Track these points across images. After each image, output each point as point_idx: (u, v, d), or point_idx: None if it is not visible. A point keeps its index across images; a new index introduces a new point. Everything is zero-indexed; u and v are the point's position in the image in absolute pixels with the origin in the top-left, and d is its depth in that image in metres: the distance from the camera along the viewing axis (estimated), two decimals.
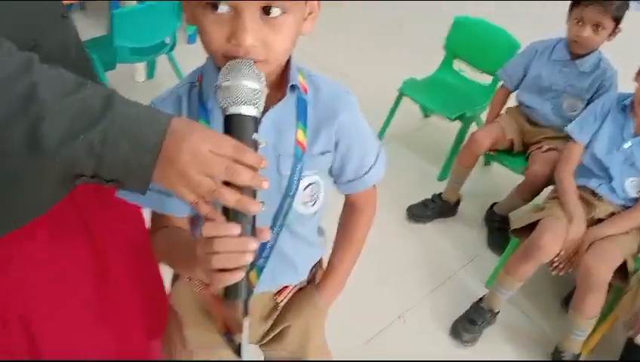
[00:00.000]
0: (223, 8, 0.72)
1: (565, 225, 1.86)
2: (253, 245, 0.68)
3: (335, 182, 1.03)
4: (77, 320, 1.03)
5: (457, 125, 2.81)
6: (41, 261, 0.93)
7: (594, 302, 1.81)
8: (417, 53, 3.37)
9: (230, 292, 0.70)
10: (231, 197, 0.67)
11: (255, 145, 0.71)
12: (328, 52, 3.26)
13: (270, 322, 1.15)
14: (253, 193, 0.69)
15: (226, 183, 0.68)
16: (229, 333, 1.11)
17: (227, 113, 0.70)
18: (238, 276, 0.68)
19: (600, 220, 1.92)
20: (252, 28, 0.72)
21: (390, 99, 2.93)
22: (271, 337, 1.17)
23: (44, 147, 0.62)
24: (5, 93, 0.60)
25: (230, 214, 0.69)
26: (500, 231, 2.42)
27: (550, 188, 2.22)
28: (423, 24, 4.10)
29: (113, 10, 2.65)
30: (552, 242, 1.83)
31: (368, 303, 2.05)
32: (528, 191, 2.30)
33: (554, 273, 1.90)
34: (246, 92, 0.70)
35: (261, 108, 0.72)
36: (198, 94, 0.88)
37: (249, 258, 0.68)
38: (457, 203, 2.60)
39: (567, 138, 2.07)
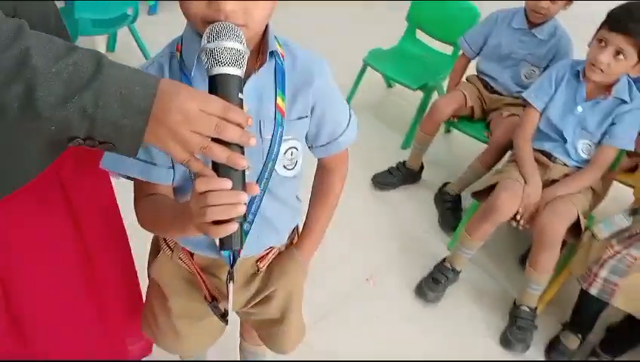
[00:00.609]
0: None
1: (522, 185, 1.96)
2: (245, 197, 0.73)
3: (310, 147, 1.07)
4: (56, 286, 1.06)
5: (420, 95, 2.88)
6: (23, 228, 0.95)
7: (549, 257, 1.92)
8: (383, 24, 3.40)
9: (225, 243, 0.74)
10: (221, 153, 0.71)
11: (241, 105, 0.74)
12: (295, 23, 3.25)
13: (253, 288, 1.19)
14: (241, 150, 0.73)
15: (215, 141, 0.71)
16: (215, 301, 1.15)
17: (212, 74, 0.73)
18: (233, 227, 0.72)
19: (554, 181, 2.02)
20: None
21: (355, 69, 2.98)
22: (256, 301, 1.22)
23: (39, 111, 0.64)
24: (2, 58, 0.62)
25: (220, 170, 0.72)
26: (452, 210, 2.50)
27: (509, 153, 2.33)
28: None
29: None
30: (509, 201, 1.92)
31: (337, 266, 2.12)
32: (490, 158, 2.39)
33: (514, 225, 1.99)
34: (230, 53, 0.73)
35: (244, 69, 0.75)
36: (179, 63, 0.91)
37: (242, 209, 0.72)
38: (421, 170, 2.68)
39: (524, 104, 2.15)
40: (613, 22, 1.80)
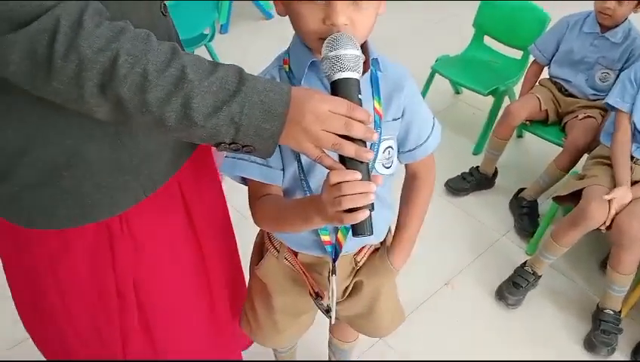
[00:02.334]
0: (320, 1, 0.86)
1: (609, 191, 1.94)
2: (374, 186, 0.81)
3: (398, 152, 1.13)
4: (179, 292, 1.15)
5: (489, 100, 2.89)
6: (151, 235, 1.04)
7: (630, 258, 1.90)
8: (449, 32, 3.43)
9: (358, 230, 0.83)
10: (351, 148, 0.80)
11: (360, 104, 0.83)
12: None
13: (349, 280, 1.27)
14: (364, 145, 0.82)
15: (342, 138, 0.80)
16: (319, 297, 1.24)
17: (334, 79, 0.83)
18: (366, 213, 0.81)
19: (635, 183, 2.00)
20: (343, 9, 0.86)
21: (422, 78, 3.02)
22: (348, 293, 1.29)
23: (195, 120, 0.74)
24: (163, 76, 0.72)
25: (348, 163, 0.81)
26: (528, 215, 2.49)
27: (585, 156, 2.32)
28: (455, 3, 4.14)
29: None
30: (600, 210, 1.91)
31: (416, 270, 2.16)
32: (567, 161, 2.37)
33: (603, 230, 1.97)
34: (349, 58, 0.82)
35: (361, 73, 0.85)
36: (287, 75, 1.01)
37: (372, 197, 0.81)
38: (494, 175, 2.69)
39: (604, 109, 2.13)
40: None
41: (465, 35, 3.13)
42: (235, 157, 1.02)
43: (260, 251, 1.30)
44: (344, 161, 0.82)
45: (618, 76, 2.31)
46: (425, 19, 4.18)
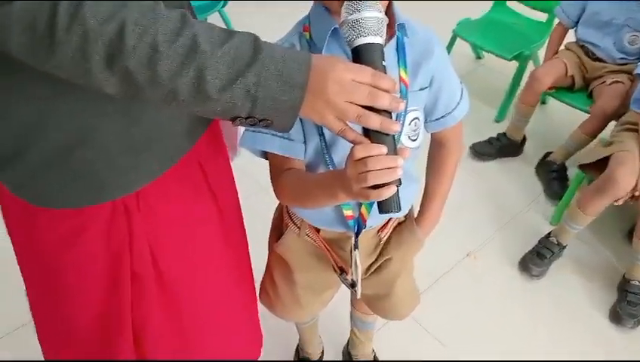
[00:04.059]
0: None
1: (638, 158, 1.88)
2: (401, 161, 0.76)
3: (425, 121, 1.09)
4: (206, 271, 1.11)
5: (512, 65, 2.80)
6: (170, 214, 1.00)
7: None
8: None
9: (385, 206, 0.78)
10: (376, 120, 0.74)
11: (385, 72, 0.77)
12: None
13: (374, 256, 1.24)
14: (389, 116, 0.76)
15: (365, 109, 0.74)
16: (343, 273, 1.21)
17: (356, 45, 0.77)
18: (393, 190, 0.76)
19: None
20: None
21: (443, 42, 2.91)
22: (372, 271, 1.27)
23: (209, 94, 0.69)
24: (174, 46, 0.67)
25: (374, 136, 0.76)
26: (558, 179, 2.45)
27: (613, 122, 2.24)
28: None
29: None
30: (628, 176, 1.85)
31: (438, 240, 2.12)
32: (594, 126, 2.30)
33: (618, 203, 1.92)
34: (372, 22, 0.76)
35: (384, 37, 0.78)
36: (308, 42, 0.95)
37: (399, 172, 0.75)
38: (523, 142, 2.63)
39: (632, 74, 2.05)
40: None
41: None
42: (255, 131, 0.98)
43: (279, 227, 1.28)
44: (369, 134, 0.76)
45: None
46: None
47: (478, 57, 3.27)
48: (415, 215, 1.26)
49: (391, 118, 0.76)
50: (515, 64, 2.79)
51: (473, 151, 2.62)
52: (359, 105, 0.74)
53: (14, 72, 0.75)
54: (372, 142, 0.76)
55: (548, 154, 2.54)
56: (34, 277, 1.07)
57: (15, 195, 0.91)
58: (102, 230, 0.94)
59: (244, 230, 1.30)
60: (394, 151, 0.77)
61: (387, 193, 0.76)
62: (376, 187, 0.76)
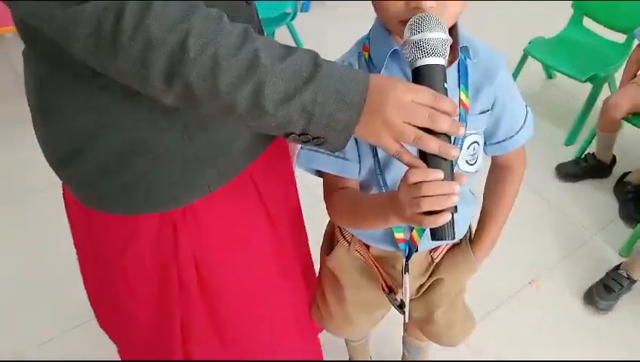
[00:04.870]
0: None
1: None
2: (457, 187, 0.73)
3: (485, 143, 1.05)
4: (255, 284, 1.11)
5: (585, 87, 2.68)
6: (220, 226, 1.01)
7: None
8: (546, 12, 3.21)
9: (438, 234, 0.75)
10: (434, 143, 0.72)
11: (446, 94, 0.75)
12: None
13: (425, 277, 1.21)
14: (448, 140, 0.73)
15: (425, 131, 0.72)
16: (392, 292, 1.18)
17: (417, 65, 0.74)
18: (447, 217, 0.73)
19: None
20: None
21: (514, 60, 2.85)
22: (422, 291, 1.23)
23: (266, 108, 0.69)
24: (234, 59, 0.67)
25: (430, 160, 0.73)
26: (634, 201, 2.33)
27: None
28: None
29: None
30: None
31: (498, 266, 2.04)
32: None
33: None
34: (435, 43, 0.73)
35: (447, 58, 0.76)
36: (367, 62, 0.94)
37: (455, 199, 0.72)
38: (613, 163, 2.52)
39: None
40: None
41: (563, 15, 2.90)
42: (310, 149, 0.97)
43: (330, 241, 1.26)
44: (425, 157, 0.74)
45: None
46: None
47: (550, 77, 3.16)
48: (471, 237, 1.22)
49: (450, 142, 0.73)
50: (589, 86, 2.67)
51: (559, 172, 2.54)
52: (417, 128, 0.72)
53: (77, 78, 0.78)
54: (428, 166, 0.73)
55: (626, 174, 2.44)
56: (91, 278, 1.11)
57: (75, 196, 0.94)
58: (150, 240, 0.95)
59: (303, 246, 1.29)
60: (451, 176, 0.74)
61: (441, 220, 0.73)
62: (430, 213, 0.73)
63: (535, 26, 2.96)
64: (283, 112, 0.70)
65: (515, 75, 2.85)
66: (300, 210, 1.28)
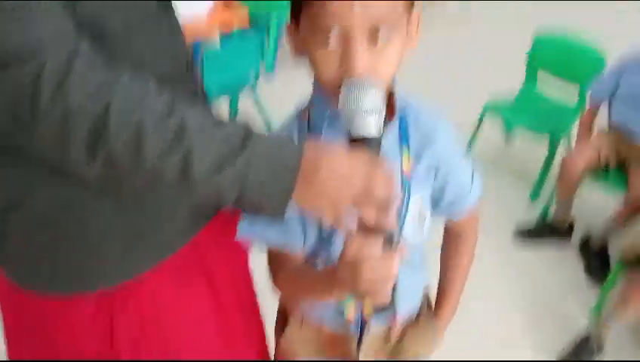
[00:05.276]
0: (333, 41, 0.75)
1: None
2: (396, 262, 0.70)
3: (433, 209, 1.02)
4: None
5: (542, 145, 2.75)
6: (160, 305, 0.95)
7: None
8: (500, 74, 3.31)
9: (378, 307, 0.73)
10: (371, 213, 0.69)
11: (382, 162, 0.73)
12: (412, 72, 3.25)
13: (386, 353, 1.15)
14: (387, 209, 0.71)
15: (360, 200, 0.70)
16: None
17: (351, 133, 0.73)
18: (387, 292, 0.70)
19: None
20: (362, 54, 0.74)
21: (473, 119, 2.90)
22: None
23: (195, 178, 0.66)
24: (161, 129, 0.64)
25: (369, 232, 0.70)
26: (599, 261, 2.35)
27: None
28: (506, 44, 4.03)
29: (200, 51, 2.77)
30: None
31: (463, 331, 2.01)
32: (630, 216, 2.21)
33: None
34: (368, 109, 0.72)
35: (382, 127, 0.75)
36: (307, 128, 0.91)
37: (395, 272, 0.70)
38: (571, 226, 2.53)
39: None
40: None
41: (518, 73, 3.00)
42: (251, 220, 0.92)
43: (283, 319, 1.20)
44: (364, 228, 0.71)
45: None
46: (476, 56, 4.07)
47: (509, 136, 3.22)
48: (431, 305, 1.19)
49: (388, 211, 0.71)
50: (546, 145, 2.73)
51: (517, 236, 2.54)
52: (354, 197, 0.69)
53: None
54: (367, 237, 0.71)
55: (589, 235, 2.45)
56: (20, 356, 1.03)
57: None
58: (84, 319, 0.89)
59: (258, 325, 1.23)
60: (391, 248, 0.71)
61: (380, 297, 0.70)
62: (370, 289, 0.70)
63: (493, 86, 3.04)
64: (214, 181, 0.67)
65: (474, 135, 2.90)
66: (251, 285, 1.23)
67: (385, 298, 0.70)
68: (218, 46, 3.01)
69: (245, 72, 3.00)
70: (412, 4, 0.80)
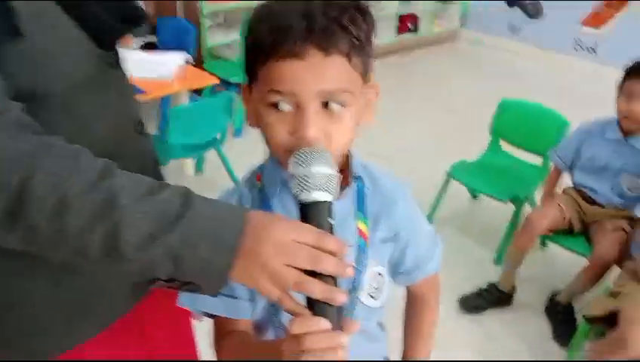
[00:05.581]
0: (286, 106, 0.74)
1: None
2: (346, 339, 0.65)
3: (393, 273, 1.00)
4: None
5: (509, 206, 2.75)
6: None
7: None
8: (466, 136, 3.36)
9: None
10: (317, 288, 0.65)
11: (331, 231, 0.69)
12: (376, 137, 3.28)
13: None
14: (334, 282, 0.66)
15: (307, 273, 0.65)
16: None
17: (302, 200, 0.69)
18: None
19: None
20: (314, 120, 0.73)
21: (437, 183, 2.91)
22: None
23: (123, 253, 0.61)
24: (86, 200, 0.60)
25: (315, 307, 0.66)
26: (565, 321, 2.32)
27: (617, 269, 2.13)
28: (472, 109, 4.13)
29: (167, 108, 2.76)
30: None
31: None
32: (595, 274, 2.20)
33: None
34: (321, 178, 0.69)
35: (335, 194, 0.71)
36: (259, 193, 0.88)
37: (342, 353, 0.65)
38: (512, 291, 2.48)
39: (633, 219, 1.98)
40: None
41: (483, 137, 3.04)
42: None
43: None
44: (312, 303, 0.66)
45: None
46: (443, 123, 4.16)
47: (474, 197, 3.24)
48: None
49: (335, 284, 0.66)
50: (512, 205, 2.74)
51: (463, 305, 2.45)
52: (300, 271, 0.65)
53: None
54: (314, 313, 0.65)
55: (555, 294, 2.42)
56: None
57: None
58: None
59: None
60: (339, 325, 0.66)
61: None
62: None
63: (457, 150, 3.08)
64: (145, 257, 0.62)
65: (440, 196, 2.90)
66: (193, 347, 1.16)
67: None
68: (187, 103, 3.01)
69: (212, 132, 2.99)
70: (367, 72, 0.80)
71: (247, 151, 3.62)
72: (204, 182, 3.34)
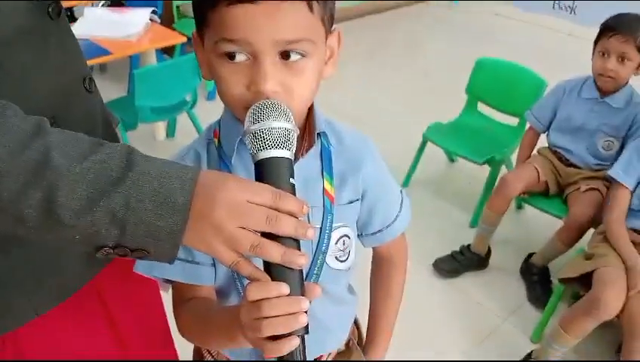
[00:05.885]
0: (241, 57, 0.68)
1: (624, 274, 1.74)
2: (307, 304, 0.61)
3: (360, 235, 0.96)
4: None
5: (485, 169, 2.73)
6: (61, 345, 0.87)
7: None
8: (442, 100, 3.31)
9: (285, 359, 0.61)
10: (276, 251, 0.60)
11: (293, 191, 0.64)
12: (352, 101, 3.22)
13: None
14: (296, 245, 0.62)
15: (265, 236, 0.61)
16: None
17: (258, 158, 0.64)
18: (294, 343, 0.60)
19: None
20: (272, 72, 0.67)
21: (414, 145, 2.87)
22: None
23: (61, 219, 0.56)
24: (17, 161, 0.54)
25: (274, 272, 0.61)
26: (540, 283, 2.32)
27: (592, 230, 2.13)
28: (447, 72, 4.06)
29: (133, 71, 2.66)
30: (615, 299, 1.71)
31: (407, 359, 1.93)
32: (570, 236, 2.19)
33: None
34: (278, 133, 0.64)
35: (294, 150, 0.66)
36: (217, 150, 0.82)
37: (303, 319, 0.60)
38: (488, 254, 2.47)
39: (609, 181, 1.97)
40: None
41: (459, 101, 2.99)
42: None
43: (198, 356, 1.07)
44: (270, 267, 0.61)
45: (623, 144, 2.15)
46: (419, 87, 4.09)
47: (452, 160, 3.21)
48: (362, 337, 1.11)
49: (298, 247, 0.61)
50: (488, 168, 2.71)
51: (437, 269, 2.43)
52: (256, 233, 0.59)
53: None
54: (273, 278, 0.60)
55: (530, 256, 2.42)
56: None
57: None
58: None
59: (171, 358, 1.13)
60: (300, 289, 0.61)
61: (285, 348, 0.60)
62: (274, 338, 0.60)
63: (433, 112, 3.03)
64: (85, 222, 0.56)
65: (416, 160, 2.87)
66: (163, 319, 1.11)
67: (289, 348, 0.60)
68: (154, 63, 2.90)
69: (181, 94, 2.89)
70: (330, 18, 0.73)
71: (220, 114, 3.57)
72: (176, 147, 3.24)
